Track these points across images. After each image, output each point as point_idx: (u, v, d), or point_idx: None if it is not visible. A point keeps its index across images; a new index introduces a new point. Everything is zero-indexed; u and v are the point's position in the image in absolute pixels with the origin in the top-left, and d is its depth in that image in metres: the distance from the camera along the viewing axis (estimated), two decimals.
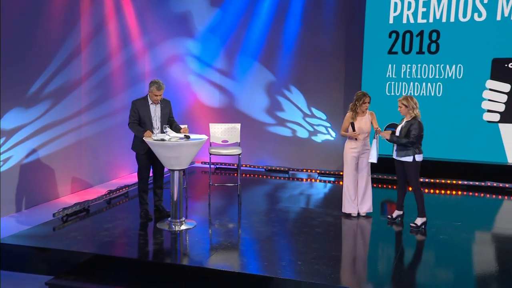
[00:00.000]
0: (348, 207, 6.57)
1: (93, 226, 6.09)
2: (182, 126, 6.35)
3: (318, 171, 9.16)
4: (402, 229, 6.14)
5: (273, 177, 9.02)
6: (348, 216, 6.55)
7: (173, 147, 5.73)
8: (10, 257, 5.35)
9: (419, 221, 6.12)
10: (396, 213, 6.39)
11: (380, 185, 8.31)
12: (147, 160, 6.33)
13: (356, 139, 6.37)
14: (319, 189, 8.39)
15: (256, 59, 10.03)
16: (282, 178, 8.94)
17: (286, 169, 9.33)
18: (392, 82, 8.86)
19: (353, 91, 9.35)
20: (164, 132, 5.98)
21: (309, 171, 9.24)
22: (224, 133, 7.44)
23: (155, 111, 6.31)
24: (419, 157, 6.05)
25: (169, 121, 6.42)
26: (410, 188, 6.20)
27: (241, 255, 5.27)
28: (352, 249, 5.68)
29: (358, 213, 6.56)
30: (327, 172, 9.14)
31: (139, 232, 5.97)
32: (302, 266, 4.92)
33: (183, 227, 6.01)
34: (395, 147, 6.17)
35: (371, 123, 6.38)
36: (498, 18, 8.25)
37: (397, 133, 6.16)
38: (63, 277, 5.03)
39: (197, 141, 5.87)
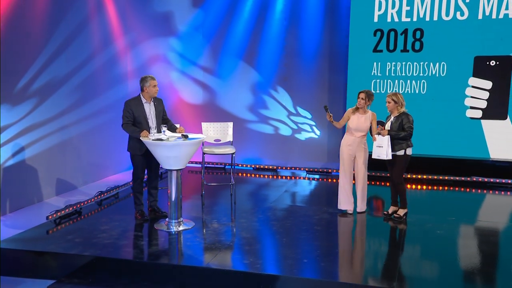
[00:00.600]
0: (344, 204, 6.62)
1: (89, 228, 5.96)
2: (177, 125, 6.30)
3: (306, 169, 9.18)
4: (398, 225, 6.22)
5: (262, 176, 9.00)
6: (344, 213, 6.60)
7: (172, 147, 5.66)
8: (9, 262, 5.21)
9: (401, 212, 6.34)
10: (391, 209, 6.47)
11: (368, 182, 8.36)
12: (144, 160, 6.24)
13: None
14: (310, 187, 8.40)
15: (240, 58, 10.01)
16: (270, 177, 8.93)
17: (274, 167, 9.32)
18: (378, 80, 8.97)
19: (338, 90, 9.52)
20: (161, 132, 5.91)
21: (297, 169, 9.26)
22: (216, 132, 7.40)
23: (150, 110, 6.21)
24: (409, 151, 6.21)
25: (164, 120, 6.34)
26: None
27: (246, 254, 5.22)
28: (354, 246, 5.73)
29: (354, 210, 6.62)
30: (315, 169, 9.17)
31: (138, 233, 5.89)
32: (309, 264, 4.94)
33: (182, 227, 5.95)
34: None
35: (371, 124, 6.42)
36: (480, 17, 8.43)
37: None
38: (65, 281, 4.92)
39: (196, 140, 5.81)
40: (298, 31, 9.73)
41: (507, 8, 8.30)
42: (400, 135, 6.09)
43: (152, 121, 6.20)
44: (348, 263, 5.18)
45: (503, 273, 4.91)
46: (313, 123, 9.87)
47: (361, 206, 6.62)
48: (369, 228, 6.24)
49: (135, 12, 9.63)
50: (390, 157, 6.16)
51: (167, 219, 6.05)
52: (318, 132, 9.87)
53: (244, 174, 9.09)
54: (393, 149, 6.18)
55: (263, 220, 6.36)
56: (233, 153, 7.11)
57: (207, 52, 10.15)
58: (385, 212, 6.51)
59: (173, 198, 5.96)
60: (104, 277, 4.98)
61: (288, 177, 8.90)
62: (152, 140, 5.72)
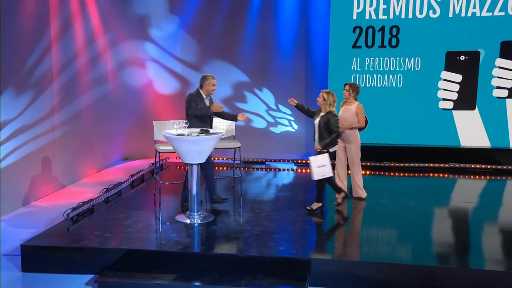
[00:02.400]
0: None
1: (113, 224, 6.00)
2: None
3: (294, 161, 9.53)
4: (401, 210, 6.64)
5: (251, 169, 9.25)
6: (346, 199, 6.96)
7: (197, 142, 5.81)
8: (45, 259, 5.24)
9: (315, 205, 6.51)
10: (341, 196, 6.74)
11: (364, 172, 8.82)
12: None
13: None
14: (302, 178, 8.69)
15: (219, 54, 10.17)
16: (260, 169, 9.21)
17: (263, 160, 9.60)
18: (357, 75, 9.46)
19: (317, 85, 9.93)
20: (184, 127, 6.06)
21: (285, 161, 9.58)
22: (219, 127, 7.57)
23: (208, 104, 6.64)
24: (332, 150, 6.47)
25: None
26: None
27: (278, 242, 5.45)
28: (376, 229, 6.03)
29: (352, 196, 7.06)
30: (303, 160, 9.51)
31: (163, 226, 6.00)
32: (340, 248, 5.29)
33: (204, 219, 6.10)
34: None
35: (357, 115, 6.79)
36: (450, 15, 9.11)
37: (316, 129, 6.44)
38: (109, 274, 4.98)
39: (218, 134, 6.00)
40: (275, 27, 10.03)
41: (474, 7, 9.01)
42: (334, 139, 6.24)
43: (210, 114, 6.64)
44: (384, 244, 5.56)
45: None
46: (292, 118, 10.23)
47: (361, 193, 7.02)
48: (379, 213, 6.57)
49: (116, 13, 9.63)
50: (332, 174, 6.36)
51: (187, 212, 6.18)
52: (295, 126, 10.23)
53: (233, 168, 9.27)
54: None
55: (276, 209, 6.60)
56: (239, 147, 7.33)
57: (187, 48, 10.23)
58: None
59: (194, 192, 6.10)
60: (146, 269, 5.05)
61: (277, 169, 9.20)
62: (176, 135, 5.85)
